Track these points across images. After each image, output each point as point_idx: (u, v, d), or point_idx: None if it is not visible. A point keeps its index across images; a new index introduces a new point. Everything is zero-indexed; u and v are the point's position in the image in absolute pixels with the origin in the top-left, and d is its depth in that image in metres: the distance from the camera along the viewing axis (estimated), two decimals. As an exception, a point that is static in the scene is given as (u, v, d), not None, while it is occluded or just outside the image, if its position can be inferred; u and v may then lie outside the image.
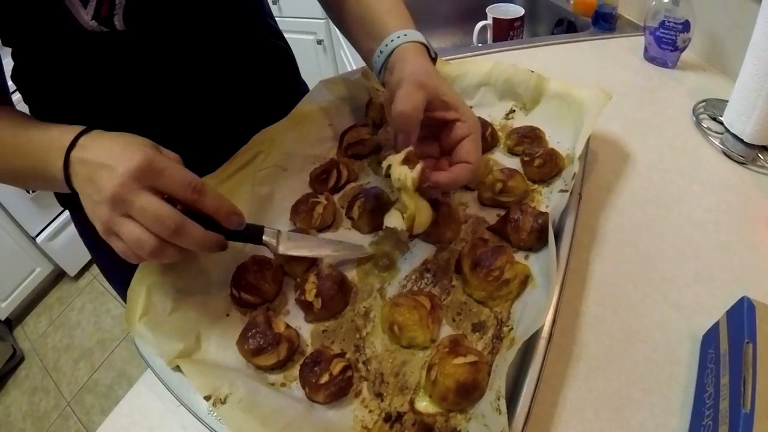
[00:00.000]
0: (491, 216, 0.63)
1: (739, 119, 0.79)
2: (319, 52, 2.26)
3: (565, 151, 0.69)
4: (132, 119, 0.66)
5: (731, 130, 0.81)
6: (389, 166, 0.54)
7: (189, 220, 0.46)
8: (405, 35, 0.59)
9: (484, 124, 0.72)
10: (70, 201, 0.77)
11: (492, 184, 0.63)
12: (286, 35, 0.85)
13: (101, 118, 0.65)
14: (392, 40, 0.59)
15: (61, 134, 0.50)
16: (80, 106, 0.65)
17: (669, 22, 1.01)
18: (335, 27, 0.77)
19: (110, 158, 0.45)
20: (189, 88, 0.68)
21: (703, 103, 0.91)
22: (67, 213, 2.32)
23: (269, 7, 0.82)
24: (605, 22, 1.24)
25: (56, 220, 2.35)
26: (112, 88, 0.65)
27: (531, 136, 0.71)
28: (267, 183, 0.68)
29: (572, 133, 0.69)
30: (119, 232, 0.45)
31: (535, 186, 0.67)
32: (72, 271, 2.49)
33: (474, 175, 0.55)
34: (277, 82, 0.82)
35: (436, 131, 0.57)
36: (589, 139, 0.64)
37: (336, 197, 0.70)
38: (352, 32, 0.69)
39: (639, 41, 1.10)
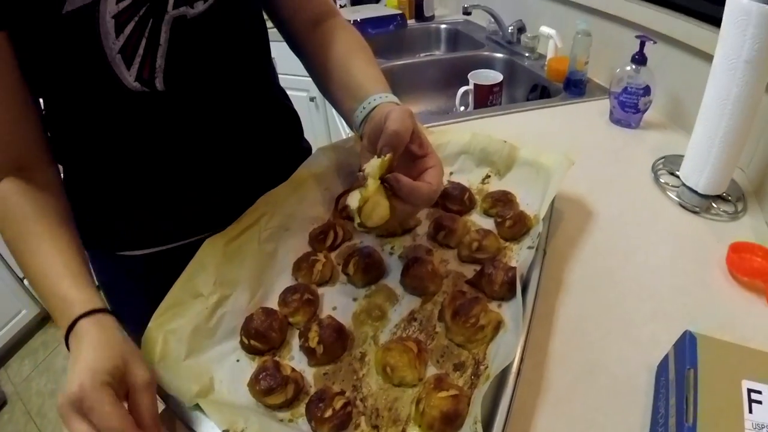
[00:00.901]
0: (469, 271, 0.72)
1: (693, 173, 0.89)
2: (312, 109, 2.39)
3: (533, 212, 0.79)
4: (153, 170, 0.74)
5: (687, 184, 0.91)
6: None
7: None
8: (386, 96, 0.69)
9: (463, 189, 0.82)
10: (92, 242, 0.83)
11: (469, 243, 0.73)
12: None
13: (125, 166, 0.73)
14: (374, 99, 0.68)
15: (65, 308, 0.58)
16: (107, 154, 0.73)
17: (631, 87, 1.13)
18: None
19: (71, 369, 0.52)
20: (211, 143, 0.76)
21: (662, 160, 1.03)
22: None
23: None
24: (575, 88, 1.37)
25: (48, 263, 2.39)
26: (141, 140, 0.72)
27: (503, 200, 0.81)
28: (271, 241, 0.77)
29: (540, 196, 0.79)
30: None
31: (507, 244, 0.76)
32: (59, 316, 2.51)
33: (434, 196, 0.62)
34: (285, 139, 0.92)
35: (405, 169, 0.64)
36: (554, 200, 0.75)
37: (333, 255, 0.79)
38: (337, 95, 0.78)
39: (606, 104, 1.22)
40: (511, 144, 0.87)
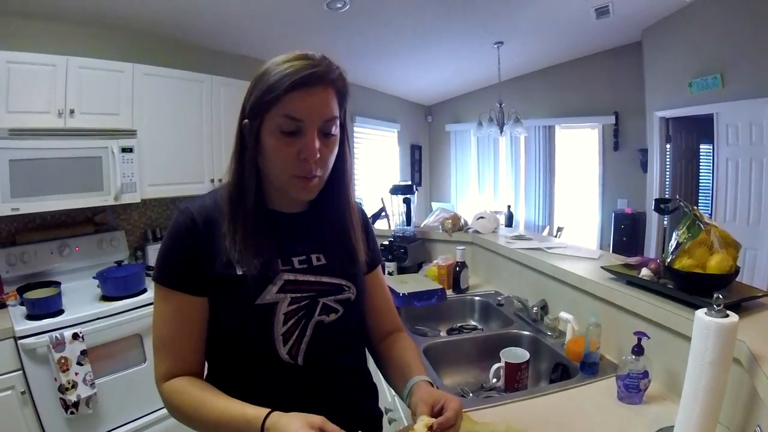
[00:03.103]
0: None
1: (679, 448, 1.19)
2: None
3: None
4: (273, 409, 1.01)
5: (676, 456, 1.20)
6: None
7: None
8: (421, 378, 1.14)
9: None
10: None
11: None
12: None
13: (251, 403, 1.02)
14: (413, 380, 1.14)
15: (252, 419, 0.95)
16: (242, 393, 1.05)
17: (633, 373, 1.49)
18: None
19: None
20: (321, 401, 1.13)
21: (658, 433, 1.34)
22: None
23: None
24: (590, 369, 1.72)
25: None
26: (275, 392, 1.10)
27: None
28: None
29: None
30: None
31: None
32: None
33: (459, 409, 1.04)
34: (366, 404, 1.32)
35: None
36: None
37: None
38: (392, 377, 1.26)
39: (614, 382, 1.56)
40: (535, 436, 1.25)
